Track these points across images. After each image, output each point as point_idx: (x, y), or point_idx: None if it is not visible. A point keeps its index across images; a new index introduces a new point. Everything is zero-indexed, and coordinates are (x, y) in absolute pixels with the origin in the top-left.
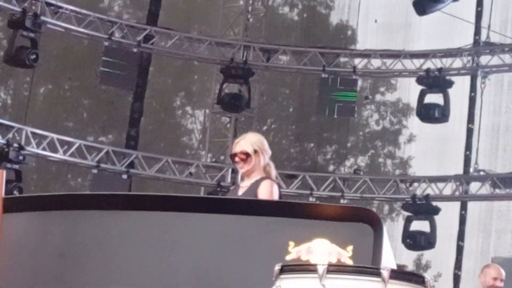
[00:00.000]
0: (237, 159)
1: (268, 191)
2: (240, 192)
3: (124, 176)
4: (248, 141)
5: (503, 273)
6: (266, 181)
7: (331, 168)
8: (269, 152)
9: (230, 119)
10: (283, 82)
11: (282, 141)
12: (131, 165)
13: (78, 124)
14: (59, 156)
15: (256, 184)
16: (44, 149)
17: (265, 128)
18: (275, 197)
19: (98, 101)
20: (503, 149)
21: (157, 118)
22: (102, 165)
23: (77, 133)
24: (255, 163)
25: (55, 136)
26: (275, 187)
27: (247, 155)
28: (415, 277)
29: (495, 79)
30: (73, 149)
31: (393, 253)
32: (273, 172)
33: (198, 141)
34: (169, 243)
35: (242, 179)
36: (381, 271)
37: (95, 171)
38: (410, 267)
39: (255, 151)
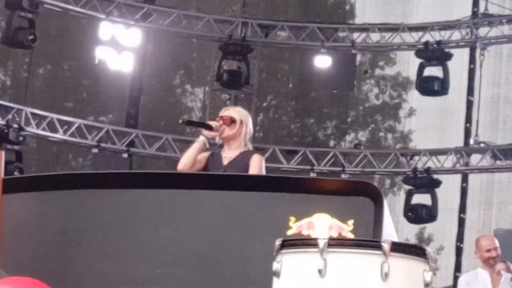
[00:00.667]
0: (221, 122)
1: (261, 165)
2: (225, 162)
3: (125, 155)
4: (236, 111)
5: (495, 241)
6: (258, 155)
7: (331, 143)
8: (251, 131)
9: (230, 96)
10: (282, 58)
11: (282, 117)
12: (132, 144)
13: (78, 104)
14: (59, 136)
15: (245, 155)
16: (44, 129)
17: (265, 104)
18: (263, 172)
19: (97, 81)
20: (503, 120)
21: (156, 96)
22: (103, 145)
23: (77, 113)
24: (236, 132)
25: (55, 116)
26: (264, 162)
27: (233, 120)
28: (416, 249)
29: (494, 51)
30: (73, 128)
31: (394, 227)
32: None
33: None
34: (170, 220)
35: (222, 147)
36: (382, 244)
37: (95, 150)
38: (412, 241)
39: (241, 122)
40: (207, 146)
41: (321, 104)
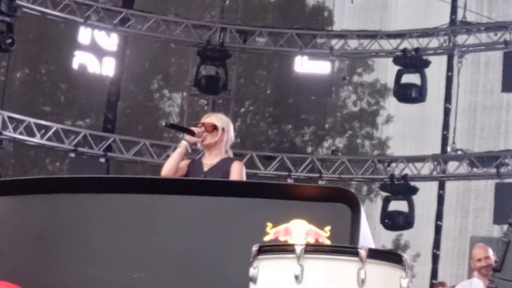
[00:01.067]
0: (203, 128)
1: (241, 172)
2: (206, 168)
3: (102, 160)
4: (219, 118)
5: (488, 250)
6: (238, 162)
7: (309, 149)
8: (233, 138)
9: (208, 101)
10: (260, 64)
11: (260, 123)
12: (109, 148)
13: (55, 108)
14: (37, 140)
15: (225, 162)
16: (21, 133)
17: (242, 110)
18: (244, 179)
19: (75, 85)
20: (481, 128)
21: (134, 101)
22: (80, 149)
23: (54, 117)
24: (218, 140)
25: (32, 120)
26: (244, 169)
27: (215, 127)
28: (392, 256)
29: (472, 59)
30: (50, 133)
31: (371, 233)
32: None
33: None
34: (148, 225)
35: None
36: (359, 250)
37: (72, 155)
38: (389, 247)
39: (223, 129)
40: (189, 151)
41: (298, 110)
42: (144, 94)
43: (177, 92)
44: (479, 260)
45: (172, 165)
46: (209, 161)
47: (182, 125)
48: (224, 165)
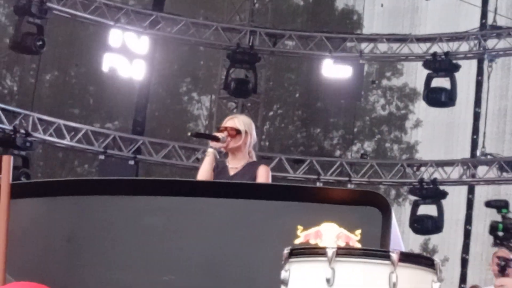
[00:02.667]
0: (226, 133)
1: (268, 176)
2: (232, 172)
3: (131, 162)
4: (241, 121)
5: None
6: (265, 166)
7: (337, 153)
8: (255, 139)
9: (237, 104)
10: (289, 67)
11: (288, 127)
12: (138, 151)
13: (84, 110)
14: (66, 142)
15: (251, 167)
16: (51, 135)
17: (271, 113)
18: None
19: (104, 88)
20: (510, 132)
21: (163, 104)
22: (109, 151)
23: (83, 120)
24: (241, 143)
25: (61, 122)
26: (270, 173)
27: (238, 132)
28: (424, 259)
29: (502, 63)
30: (79, 135)
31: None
32: (255, 159)
33: (205, 126)
34: (178, 227)
35: (226, 157)
36: (391, 254)
37: (102, 157)
38: (417, 251)
39: (245, 132)
40: (217, 157)
41: (327, 114)
42: (172, 97)
43: (206, 95)
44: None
45: (205, 175)
46: (234, 164)
47: (207, 133)
48: (250, 169)
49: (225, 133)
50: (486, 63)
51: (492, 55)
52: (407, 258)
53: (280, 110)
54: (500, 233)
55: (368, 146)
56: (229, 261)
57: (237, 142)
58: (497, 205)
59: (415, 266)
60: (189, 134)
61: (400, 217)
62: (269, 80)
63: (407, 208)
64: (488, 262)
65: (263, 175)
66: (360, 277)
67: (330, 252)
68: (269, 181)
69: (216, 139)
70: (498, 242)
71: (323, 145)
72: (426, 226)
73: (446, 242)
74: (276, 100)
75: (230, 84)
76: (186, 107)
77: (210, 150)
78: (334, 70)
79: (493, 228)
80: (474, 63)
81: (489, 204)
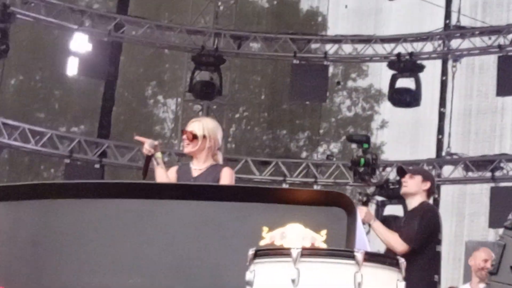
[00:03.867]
0: (184, 136)
1: (231, 179)
2: (195, 174)
3: (97, 166)
4: (201, 125)
5: (492, 254)
6: (228, 169)
7: (304, 154)
8: (220, 143)
9: (202, 107)
10: (254, 69)
11: (254, 128)
12: (104, 154)
13: (49, 114)
14: (31, 146)
15: (214, 169)
16: (15, 139)
17: (237, 115)
18: None
19: (70, 91)
20: (475, 132)
21: (129, 107)
22: (75, 155)
23: (49, 124)
24: (199, 148)
25: (26, 126)
26: (234, 176)
27: (194, 137)
28: (389, 259)
29: (466, 63)
30: (45, 139)
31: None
32: (221, 162)
33: (171, 129)
34: (143, 230)
35: (191, 159)
36: (355, 253)
37: (67, 161)
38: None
39: (204, 136)
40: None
41: (293, 115)
42: (138, 100)
43: (172, 98)
44: (485, 260)
45: (165, 179)
46: (197, 166)
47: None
48: (213, 171)
49: (184, 136)
50: (450, 63)
51: (456, 55)
52: (372, 257)
53: (246, 112)
54: (361, 169)
55: (334, 147)
56: (195, 263)
57: (195, 146)
58: (359, 139)
59: (380, 266)
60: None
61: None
62: (234, 82)
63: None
64: (455, 261)
65: (227, 177)
66: (325, 277)
67: (294, 252)
68: (233, 183)
69: (148, 156)
70: (357, 177)
71: (289, 147)
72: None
73: None
74: (241, 102)
75: (195, 87)
76: (152, 110)
77: (157, 155)
78: (299, 72)
79: (354, 163)
80: (438, 63)
81: (350, 138)
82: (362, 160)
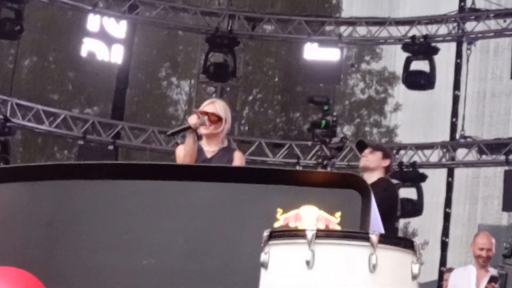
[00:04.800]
0: (207, 117)
1: (243, 163)
2: (209, 155)
3: (110, 147)
4: (221, 106)
5: (492, 241)
6: (240, 153)
7: None
8: (229, 126)
9: (216, 88)
10: (268, 51)
11: (268, 111)
12: (117, 135)
13: (63, 96)
14: (45, 127)
15: (227, 152)
16: (29, 120)
17: (250, 98)
18: None
19: (83, 73)
20: (489, 115)
21: (142, 89)
22: (88, 136)
23: (62, 105)
24: (220, 130)
25: (40, 107)
26: (244, 160)
27: (220, 119)
28: (404, 241)
29: (481, 46)
30: (58, 120)
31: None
32: (230, 145)
33: (184, 111)
34: (158, 211)
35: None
36: (370, 235)
37: (81, 142)
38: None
39: (225, 119)
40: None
41: (307, 98)
42: (152, 82)
43: (185, 80)
44: (481, 249)
45: (191, 153)
46: (210, 148)
47: (181, 127)
48: (226, 154)
49: (206, 117)
50: (465, 45)
51: (471, 37)
52: (387, 240)
53: (259, 94)
54: (320, 130)
55: (348, 130)
56: (209, 244)
57: (218, 128)
58: (319, 101)
59: (395, 248)
60: (168, 134)
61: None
62: (248, 64)
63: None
64: (469, 244)
65: (239, 160)
66: (340, 259)
67: (309, 234)
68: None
69: (190, 128)
70: (317, 139)
71: (302, 129)
72: (406, 209)
73: (426, 225)
74: (255, 84)
75: (209, 69)
76: (165, 92)
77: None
78: (314, 54)
79: (314, 125)
80: (453, 46)
81: (311, 100)
82: (323, 122)
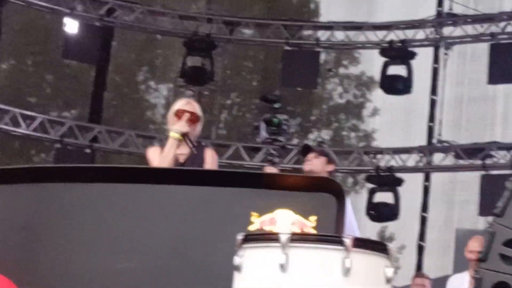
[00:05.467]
0: (186, 117)
1: (215, 160)
2: (181, 159)
3: (88, 150)
4: (198, 106)
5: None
6: (212, 150)
7: (295, 141)
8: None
9: (194, 92)
10: (246, 55)
11: (246, 115)
12: (95, 139)
13: (41, 99)
14: (22, 130)
15: (198, 151)
16: (6, 124)
17: (229, 102)
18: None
19: (61, 76)
20: (467, 120)
21: (120, 92)
22: (66, 140)
23: (40, 109)
24: (198, 130)
25: (17, 110)
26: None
27: (198, 119)
28: (378, 245)
29: (458, 50)
30: (36, 123)
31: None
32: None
33: (162, 115)
34: (133, 214)
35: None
36: (344, 239)
37: (58, 145)
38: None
39: (202, 119)
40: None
41: (284, 102)
42: (130, 85)
43: (163, 84)
44: (470, 252)
45: (169, 158)
46: (180, 151)
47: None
48: (198, 154)
49: (187, 115)
50: (442, 50)
51: (448, 42)
52: (361, 243)
53: (237, 98)
54: (273, 128)
55: (326, 134)
56: (184, 248)
57: (196, 129)
58: (271, 99)
59: (369, 252)
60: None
61: (357, 204)
62: (226, 68)
63: (364, 196)
64: (444, 249)
65: (211, 159)
66: (314, 263)
67: (283, 238)
68: (217, 164)
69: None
70: (269, 139)
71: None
72: (382, 213)
73: (403, 230)
74: (233, 88)
75: (187, 72)
76: (143, 96)
77: (176, 135)
78: (291, 58)
79: (268, 122)
80: (430, 50)
81: (264, 98)
82: (275, 120)
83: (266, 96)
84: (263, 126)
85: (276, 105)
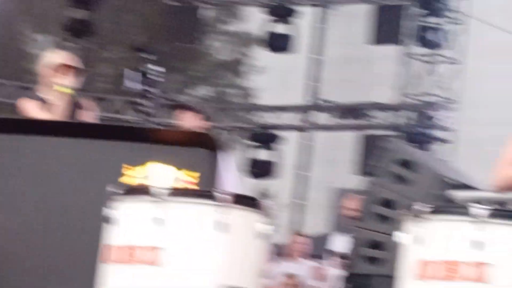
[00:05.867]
0: (73, 72)
1: (95, 114)
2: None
3: None
4: (79, 60)
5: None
6: (91, 103)
7: (174, 97)
8: None
9: (76, 45)
10: (128, 8)
11: (126, 68)
12: None
13: None
14: None
15: (79, 104)
16: None
17: (110, 55)
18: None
19: None
20: (349, 80)
21: (1, 44)
22: None
23: None
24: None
25: None
26: None
27: (81, 73)
28: (250, 200)
29: (342, 10)
30: None
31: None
32: None
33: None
34: (6, 164)
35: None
36: (216, 194)
37: None
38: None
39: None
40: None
41: (165, 57)
42: (9, 36)
43: (44, 35)
44: (348, 210)
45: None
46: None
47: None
48: (78, 108)
49: (73, 70)
50: (326, 10)
51: (334, 2)
52: (234, 198)
53: (121, 53)
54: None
55: (207, 91)
56: (55, 200)
57: (78, 83)
58: (145, 50)
59: (241, 207)
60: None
61: (237, 162)
62: (107, 21)
63: (245, 153)
64: (325, 208)
65: (91, 114)
66: (186, 217)
67: (156, 191)
68: (96, 116)
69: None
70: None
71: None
72: (263, 171)
73: (284, 188)
74: (113, 42)
75: (69, 25)
76: (24, 48)
77: (67, 90)
78: (171, 14)
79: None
80: (315, 10)
81: (138, 49)
82: (144, 70)
83: (140, 47)
84: (128, 74)
85: (151, 57)
